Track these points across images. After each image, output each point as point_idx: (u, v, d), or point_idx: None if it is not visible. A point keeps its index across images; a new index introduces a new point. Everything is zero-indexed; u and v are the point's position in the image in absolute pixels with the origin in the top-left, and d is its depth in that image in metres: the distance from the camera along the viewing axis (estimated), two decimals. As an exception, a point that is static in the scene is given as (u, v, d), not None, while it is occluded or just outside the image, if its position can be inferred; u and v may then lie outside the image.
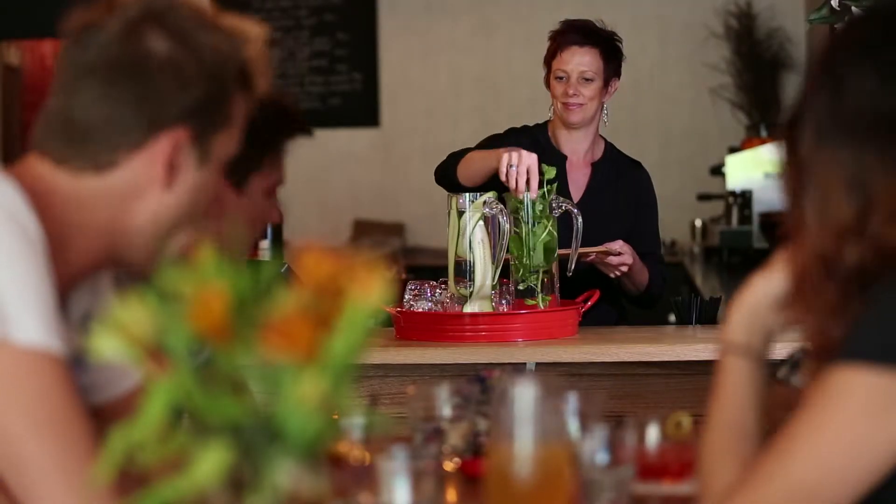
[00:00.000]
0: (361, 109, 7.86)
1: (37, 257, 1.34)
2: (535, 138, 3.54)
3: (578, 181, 3.54)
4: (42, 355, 1.31)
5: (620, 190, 3.54)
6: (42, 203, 1.38)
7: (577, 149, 3.57)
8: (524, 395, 1.42)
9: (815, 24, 3.35)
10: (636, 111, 7.57)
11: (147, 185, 1.43)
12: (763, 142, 6.48)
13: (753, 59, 7.38)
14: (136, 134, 1.41)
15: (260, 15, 7.87)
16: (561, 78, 3.48)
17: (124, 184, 1.43)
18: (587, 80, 3.46)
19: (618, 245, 3.31)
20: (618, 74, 3.54)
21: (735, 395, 1.48)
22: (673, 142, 7.60)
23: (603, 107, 3.53)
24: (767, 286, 1.50)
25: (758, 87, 7.35)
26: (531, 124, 3.64)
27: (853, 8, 3.11)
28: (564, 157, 3.53)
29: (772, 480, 1.32)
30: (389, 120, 7.86)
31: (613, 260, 3.31)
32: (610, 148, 3.63)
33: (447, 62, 7.81)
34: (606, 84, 3.51)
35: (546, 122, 3.62)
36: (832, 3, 3.19)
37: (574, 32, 3.51)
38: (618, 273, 3.34)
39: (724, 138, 7.22)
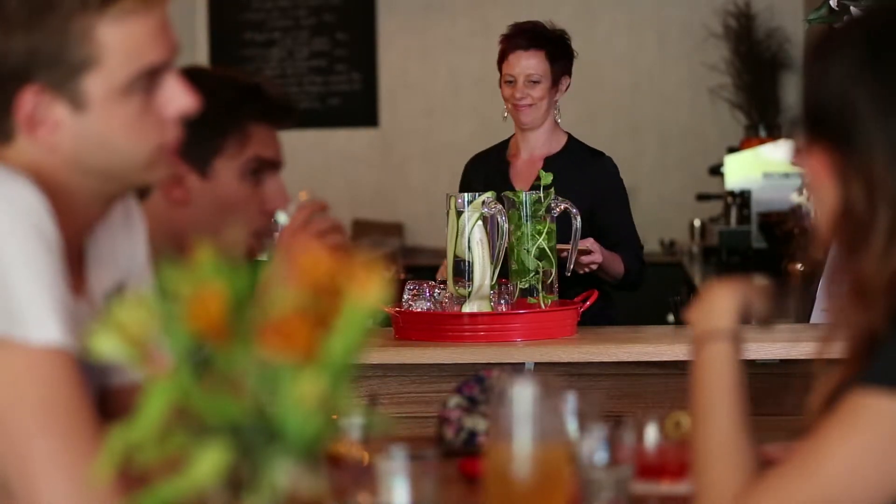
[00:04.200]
0: (360, 109, 7.86)
1: (52, 257, 1.35)
2: (484, 160, 3.75)
3: (525, 177, 3.59)
4: (56, 354, 1.32)
5: (578, 182, 3.52)
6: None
7: (534, 146, 3.67)
8: (523, 395, 1.42)
9: (814, 24, 3.35)
10: (635, 111, 7.56)
11: (40, 148, 1.42)
12: (762, 142, 6.48)
13: (752, 59, 7.37)
14: None
15: (259, 15, 7.88)
16: (510, 82, 3.63)
17: (29, 151, 1.42)
18: (534, 82, 3.60)
19: (588, 243, 3.33)
20: (567, 72, 3.66)
21: (731, 383, 1.47)
22: (672, 142, 7.60)
23: (556, 104, 3.65)
24: (747, 295, 1.51)
25: (757, 87, 7.34)
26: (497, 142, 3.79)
27: (851, 8, 3.11)
28: (508, 164, 3.67)
29: (790, 498, 1.32)
30: (388, 120, 7.85)
31: (584, 259, 3.32)
32: (570, 141, 3.69)
33: (446, 62, 7.81)
34: (556, 83, 3.63)
35: (512, 135, 3.75)
36: (831, 2, 3.19)
37: (520, 37, 3.66)
38: (586, 270, 3.36)
39: (723, 138, 7.21)
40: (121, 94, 1.42)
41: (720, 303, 1.51)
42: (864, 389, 1.31)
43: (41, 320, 1.32)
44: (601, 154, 3.69)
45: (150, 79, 1.43)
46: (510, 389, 1.42)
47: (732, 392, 1.46)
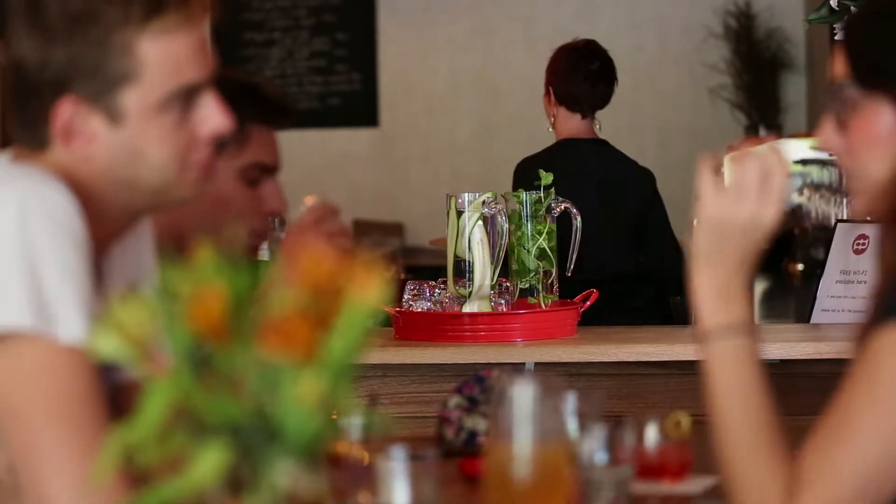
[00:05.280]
0: (360, 109, 7.86)
1: (82, 258, 1.37)
2: None
3: None
4: (80, 352, 1.34)
5: None
6: None
7: None
8: (523, 395, 1.41)
9: (814, 23, 3.35)
10: (635, 111, 7.56)
11: (75, 158, 1.44)
12: (762, 142, 6.47)
13: (752, 59, 7.37)
14: (31, 115, 1.43)
15: (259, 15, 7.88)
16: None
17: (63, 159, 1.44)
18: None
19: None
20: (548, 82, 3.85)
21: (741, 385, 1.39)
22: (672, 142, 7.60)
23: (552, 115, 3.84)
24: (743, 241, 1.42)
25: (757, 87, 7.34)
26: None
27: (852, 8, 3.11)
28: None
29: (840, 468, 1.26)
30: (388, 120, 7.85)
31: None
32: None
33: (446, 62, 7.81)
34: (547, 94, 3.86)
35: None
36: (831, 2, 3.19)
37: None
38: None
39: (724, 138, 7.20)
40: (157, 111, 1.43)
41: (703, 296, 1.43)
42: (883, 326, 1.26)
43: (69, 318, 1.34)
44: (518, 162, 3.83)
45: (187, 97, 1.44)
46: (510, 389, 1.42)
47: (754, 395, 1.38)
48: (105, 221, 1.47)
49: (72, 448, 1.33)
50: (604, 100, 3.83)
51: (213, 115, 1.46)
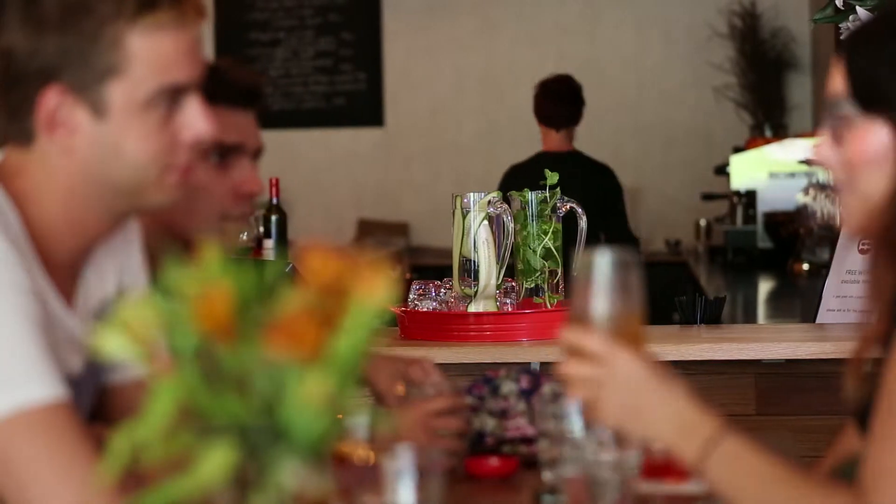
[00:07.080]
0: (365, 109, 7.86)
1: (24, 309, 1.35)
2: None
3: None
4: (45, 408, 1.33)
5: None
6: (27, 190, 1.44)
7: None
8: (601, 266, 1.49)
9: (819, 23, 3.35)
10: (639, 111, 7.56)
11: (57, 149, 1.44)
12: (767, 141, 6.48)
13: (757, 58, 7.36)
14: (16, 104, 1.43)
15: (264, 15, 7.88)
16: None
17: (49, 154, 1.44)
18: None
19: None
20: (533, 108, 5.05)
21: (756, 474, 1.40)
22: (677, 141, 7.59)
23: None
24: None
25: (762, 86, 7.33)
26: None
27: (857, 8, 3.10)
28: None
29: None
30: (393, 119, 7.85)
31: None
32: None
33: (451, 62, 7.81)
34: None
35: None
36: (836, 2, 3.19)
37: None
38: None
39: (729, 138, 7.21)
40: (141, 107, 1.43)
41: (677, 412, 1.43)
42: None
43: (30, 382, 1.33)
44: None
45: (172, 97, 1.44)
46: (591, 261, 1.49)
47: (771, 470, 1.37)
48: (86, 222, 1.47)
49: (62, 480, 1.32)
50: (570, 117, 4.96)
51: (196, 120, 1.46)
